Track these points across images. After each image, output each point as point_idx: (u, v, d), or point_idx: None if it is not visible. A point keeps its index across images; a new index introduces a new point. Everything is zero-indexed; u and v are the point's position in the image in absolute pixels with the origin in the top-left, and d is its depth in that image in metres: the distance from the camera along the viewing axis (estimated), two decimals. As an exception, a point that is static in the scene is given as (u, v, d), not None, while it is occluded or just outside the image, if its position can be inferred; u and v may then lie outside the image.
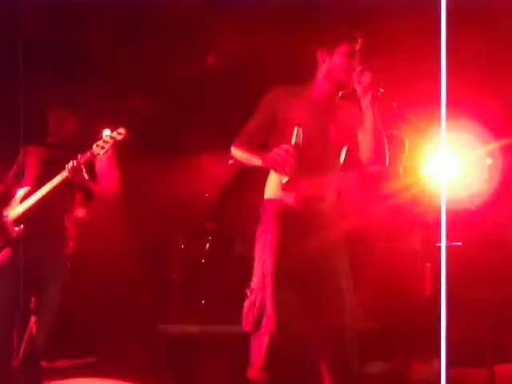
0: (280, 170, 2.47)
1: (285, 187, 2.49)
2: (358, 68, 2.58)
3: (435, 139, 2.80)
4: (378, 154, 2.62)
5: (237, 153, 2.75)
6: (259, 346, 2.60)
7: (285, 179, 2.47)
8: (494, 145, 4.96)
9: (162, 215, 6.60)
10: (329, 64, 2.71)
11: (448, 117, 2.65)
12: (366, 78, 2.51)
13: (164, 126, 6.61)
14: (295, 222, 2.64)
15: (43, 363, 3.43)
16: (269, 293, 2.57)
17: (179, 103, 6.29)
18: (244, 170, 7.34)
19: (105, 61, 5.15)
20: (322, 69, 2.74)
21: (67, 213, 3.55)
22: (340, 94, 2.77)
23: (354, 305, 2.70)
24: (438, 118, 2.66)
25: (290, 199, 2.66)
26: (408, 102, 2.69)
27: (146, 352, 4.59)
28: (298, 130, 2.48)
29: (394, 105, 2.57)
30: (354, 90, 2.62)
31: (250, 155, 2.68)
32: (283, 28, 4.82)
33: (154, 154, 7.08)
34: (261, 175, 2.96)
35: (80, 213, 3.62)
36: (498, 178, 4.91)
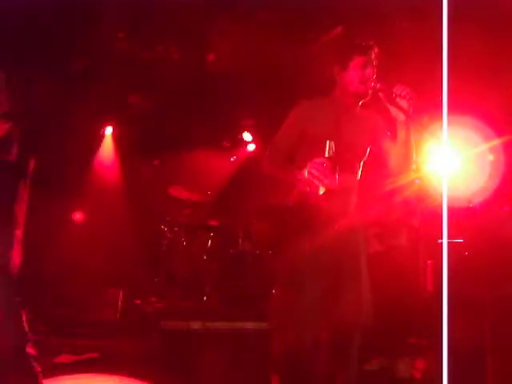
0: (319, 182, 2.55)
1: (323, 198, 2.58)
2: (374, 76, 2.70)
3: (437, 136, 2.81)
4: (407, 163, 2.80)
5: (270, 171, 2.83)
6: (281, 343, 2.66)
7: (322, 190, 2.56)
8: (496, 142, 4.96)
9: (164, 212, 6.62)
10: (345, 78, 2.78)
11: (450, 114, 2.66)
12: (402, 101, 2.63)
13: (164, 122, 6.63)
14: (324, 224, 2.71)
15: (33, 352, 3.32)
16: (294, 289, 2.64)
17: (180, 101, 6.31)
18: (246, 168, 7.36)
19: (104, 59, 5.16)
20: (339, 83, 2.82)
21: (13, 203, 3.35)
22: (360, 103, 2.84)
23: (369, 305, 2.73)
24: (440, 114, 2.68)
25: (319, 204, 2.71)
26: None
27: (148, 348, 4.61)
28: (330, 144, 2.58)
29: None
30: (373, 98, 2.72)
31: (284, 172, 2.77)
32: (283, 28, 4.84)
33: (155, 150, 7.10)
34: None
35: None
36: (499, 174, 4.91)
